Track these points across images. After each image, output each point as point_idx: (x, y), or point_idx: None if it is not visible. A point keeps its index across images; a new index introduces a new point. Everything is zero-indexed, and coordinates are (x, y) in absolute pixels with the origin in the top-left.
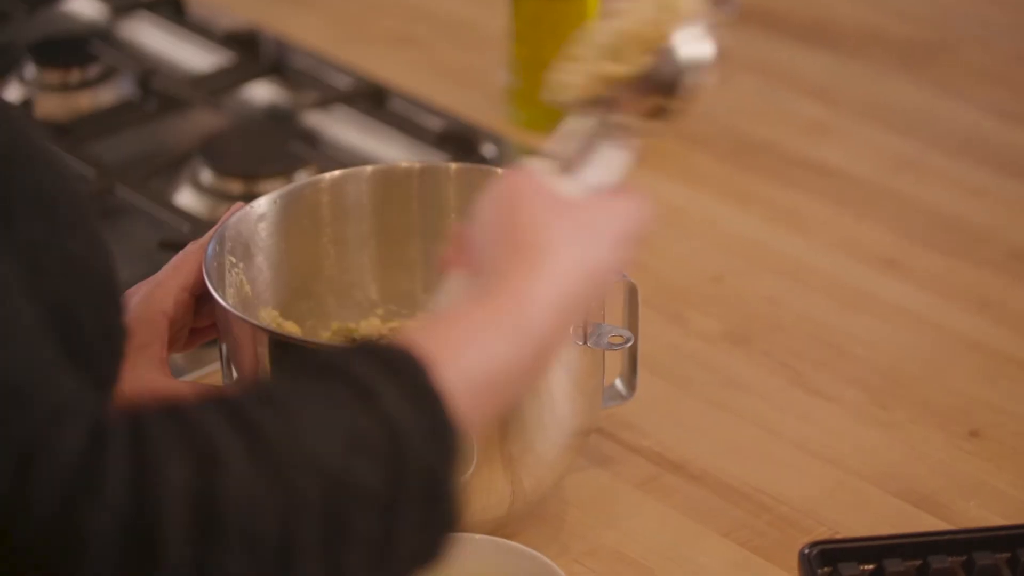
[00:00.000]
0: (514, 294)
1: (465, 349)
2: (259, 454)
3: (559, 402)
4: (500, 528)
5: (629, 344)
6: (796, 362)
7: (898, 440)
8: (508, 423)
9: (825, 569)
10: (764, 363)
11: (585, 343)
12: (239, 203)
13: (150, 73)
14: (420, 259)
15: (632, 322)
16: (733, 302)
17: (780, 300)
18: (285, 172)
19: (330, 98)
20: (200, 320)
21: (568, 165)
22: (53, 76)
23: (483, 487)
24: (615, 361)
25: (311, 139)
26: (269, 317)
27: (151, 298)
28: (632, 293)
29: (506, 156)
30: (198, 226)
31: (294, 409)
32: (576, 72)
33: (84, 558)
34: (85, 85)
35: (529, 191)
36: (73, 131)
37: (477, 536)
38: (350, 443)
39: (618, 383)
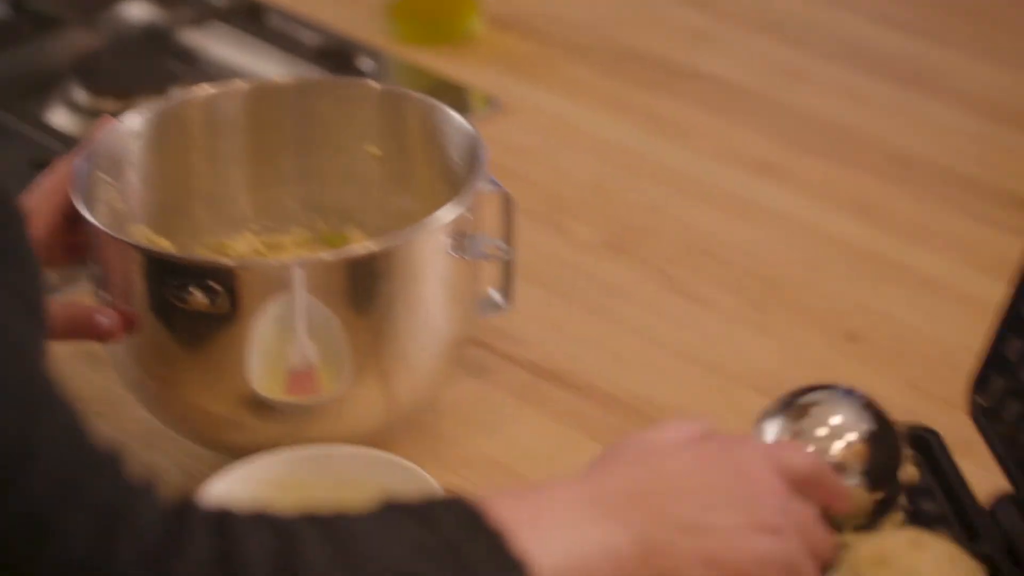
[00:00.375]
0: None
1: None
2: (335, 542)
3: (434, 312)
4: (375, 439)
5: (505, 254)
6: (675, 269)
7: (776, 345)
8: (382, 332)
9: None
10: (643, 271)
11: (460, 253)
12: (107, 117)
13: None
14: (294, 174)
15: (508, 232)
16: (612, 211)
17: (659, 208)
18: (161, 90)
19: (206, 15)
20: (75, 237)
21: None
22: None
23: (358, 398)
24: (493, 271)
25: (188, 57)
26: (141, 233)
27: None
28: (508, 203)
29: (384, 71)
30: (71, 146)
31: (359, 521)
32: None
33: None
34: None
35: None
36: None
37: (352, 447)
38: (415, 550)
39: (495, 293)
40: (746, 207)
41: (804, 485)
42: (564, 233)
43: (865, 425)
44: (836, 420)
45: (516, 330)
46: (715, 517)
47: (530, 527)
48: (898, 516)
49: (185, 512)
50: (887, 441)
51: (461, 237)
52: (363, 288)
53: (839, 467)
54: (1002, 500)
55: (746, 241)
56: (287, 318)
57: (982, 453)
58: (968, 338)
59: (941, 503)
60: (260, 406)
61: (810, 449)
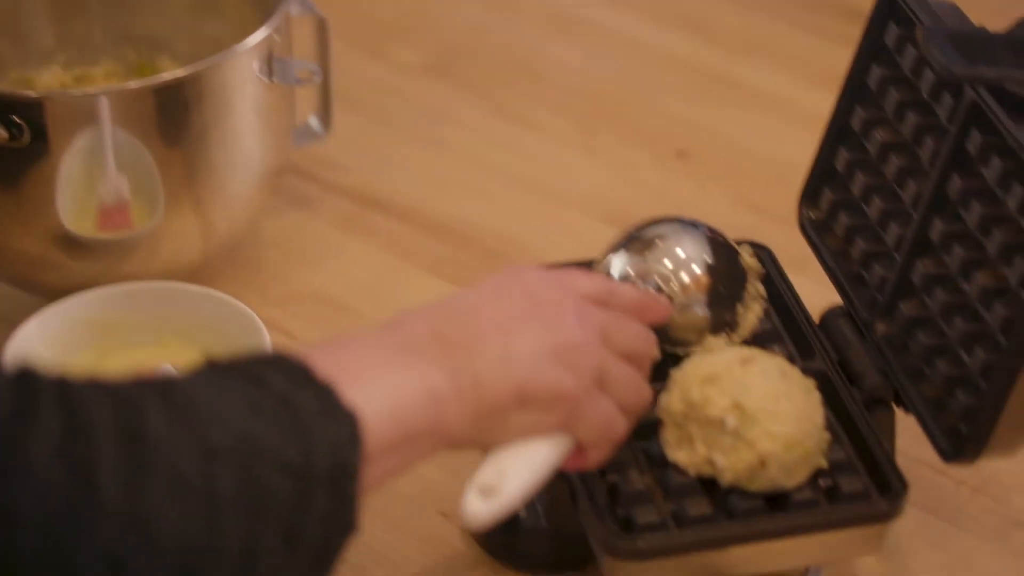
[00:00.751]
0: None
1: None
2: (172, 407)
3: (247, 140)
4: (194, 274)
5: (318, 79)
6: (500, 91)
7: (604, 165)
8: (194, 163)
9: None
10: (467, 94)
11: (271, 78)
12: None
13: None
14: (99, 3)
15: (323, 56)
16: (435, 33)
17: (483, 29)
18: None
19: None
20: None
21: None
22: None
23: (173, 231)
24: (311, 99)
25: None
26: None
27: None
28: (322, 26)
29: None
30: None
31: (192, 383)
32: None
33: (27, 482)
34: None
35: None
36: None
37: (170, 283)
38: (252, 410)
39: (312, 120)
40: (573, 25)
41: (599, 303)
42: (384, 57)
43: (707, 257)
44: (680, 252)
45: (338, 158)
46: (519, 344)
47: (351, 377)
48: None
49: (25, 384)
50: (730, 271)
51: (271, 61)
52: (172, 117)
53: (685, 297)
54: (833, 314)
55: (573, 61)
56: (95, 151)
57: (815, 269)
58: (801, 153)
59: (774, 320)
60: (72, 244)
61: (656, 280)
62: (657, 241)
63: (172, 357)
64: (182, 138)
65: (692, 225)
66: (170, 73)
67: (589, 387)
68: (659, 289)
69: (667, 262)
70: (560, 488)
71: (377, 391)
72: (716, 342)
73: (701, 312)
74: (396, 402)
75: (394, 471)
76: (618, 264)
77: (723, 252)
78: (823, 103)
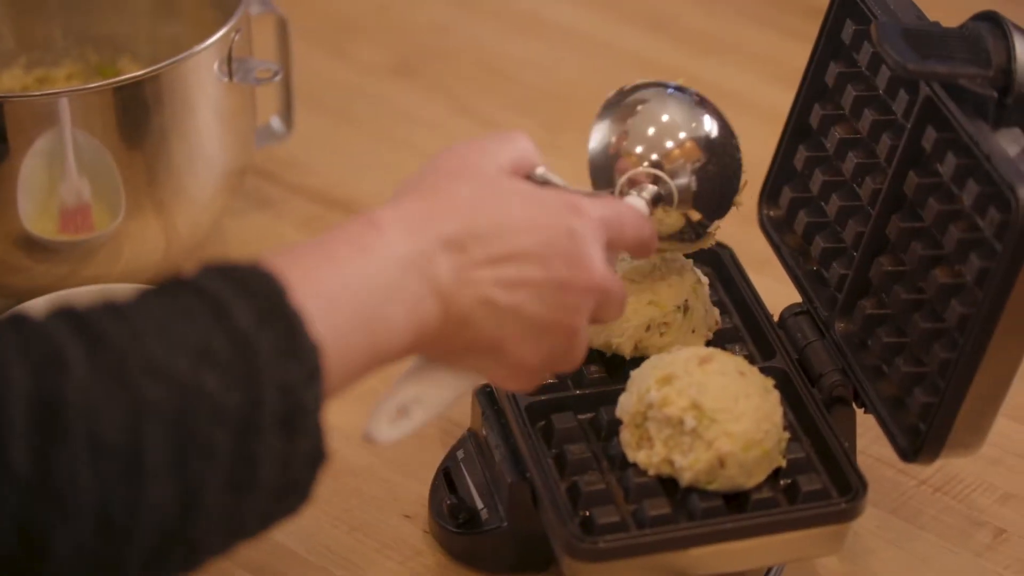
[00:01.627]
0: (369, 219)
1: (320, 272)
2: (102, 359)
3: (208, 141)
4: (158, 276)
5: (278, 78)
6: (464, 91)
7: (570, 164)
8: (156, 164)
9: None
10: (431, 94)
11: (231, 78)
12: None
13: None
14: (58, 4)
15: (283, 55)
16: (398, 32)
17: (447, 28)
18: None
19: None
20: None
21: None
22: None
23: (135, 234)
24: (273, 99)
25: None
26: None
27: None
28: (282, 26)
29: None
30: None
31: (141, 319)
32: None
33: None
34: None
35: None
36: None
37: (133, 286)
38: (199, 355)
39: (275, 121)
40: (538, 24)
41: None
42: (347, 57)
43: (696, 124)
44: (665, 118)
45: (301, 159)
46: (525, 311)
47: (328, 299)
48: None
49: None
50: (721, 145)
51: (231, 61)
52: (133, 118)
53: (671, 166)
54: (792, 312)
55: (538, 60)
56: (56, 153)
57: (776, 267)
58: (764, 152)
59: (734, 319)
60: (34, 246)
61: (639, 149)
62: (639, 108)
63: None
64: (143, 139)
65: (681, 90)
66: (130, 74)
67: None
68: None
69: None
70: (521, 489)
71: (351, 317)
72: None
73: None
74: (372, 331)
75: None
76: (599, 132)
77: (719, 126)
78: (787, 101)
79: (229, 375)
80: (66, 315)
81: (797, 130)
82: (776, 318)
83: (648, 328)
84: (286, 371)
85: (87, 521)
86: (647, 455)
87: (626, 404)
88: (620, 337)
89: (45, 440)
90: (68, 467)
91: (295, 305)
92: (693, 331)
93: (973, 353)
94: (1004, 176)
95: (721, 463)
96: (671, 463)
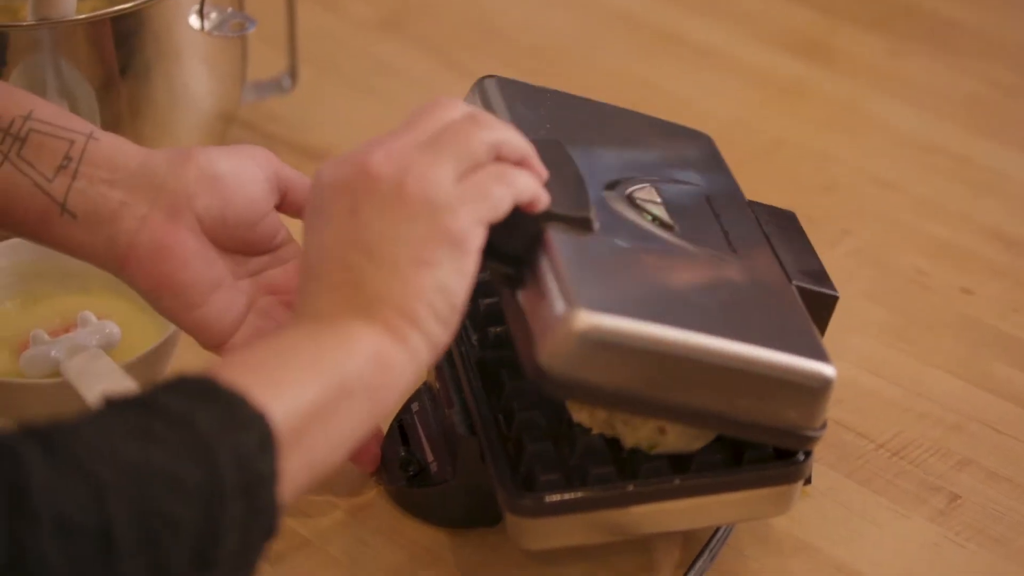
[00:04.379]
0: (339, 336)
1: (285, 388)
2: (58, 453)
3: (191, 82)
4: None
5: (249, 30)
6: (452, 47)
7: None
8: (137, 101)
9: None
10: (420, 49)
11: (202, 30)
12: None
13: None
14: None
15: (290, 10)
16: None
17: None
18: None
19: None
20: None
21: None
22: None
23: None
24: (279, 53)
25: None
26: None
27: None
28: None
29: None
30: None
31: (77, 423)
32: None
33: None
34: None
35: (375, 196)
36: None
37: None
38: (141, 438)
39: (285, 79)
40: None
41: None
42: (338, 11)
43: None
44: None
45: (287, 112)
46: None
47: (265, 378)
48: None
49: None
50: None
51: (203, 10)
52: (115, 52)
53: None
54: None
55: (525, 16)
56: (37, 83)
57: None
58: (744, 111)
59: None
60: None
61: None
62: None
63: (98, 306)
64: (124, 75)
65: None
66: (114, 8)
67: None
68: None
69: None
70: (470, 445)
71: (296, 380)
72: None
73: None
74: (322, 383)
75: (362, 423)
76: None
77: None
78: (769, 61)
79: (178, 449)
80: (22, 427)
81: None
82: None
83: None
84: (237, 439)
85: None
86: (590, 415)
87: None
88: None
89: (18, 523)
90: (41, 547)
91: (229, 388)
92: None
93: None
94: None
95: (662, 431)
96: (613, 426)
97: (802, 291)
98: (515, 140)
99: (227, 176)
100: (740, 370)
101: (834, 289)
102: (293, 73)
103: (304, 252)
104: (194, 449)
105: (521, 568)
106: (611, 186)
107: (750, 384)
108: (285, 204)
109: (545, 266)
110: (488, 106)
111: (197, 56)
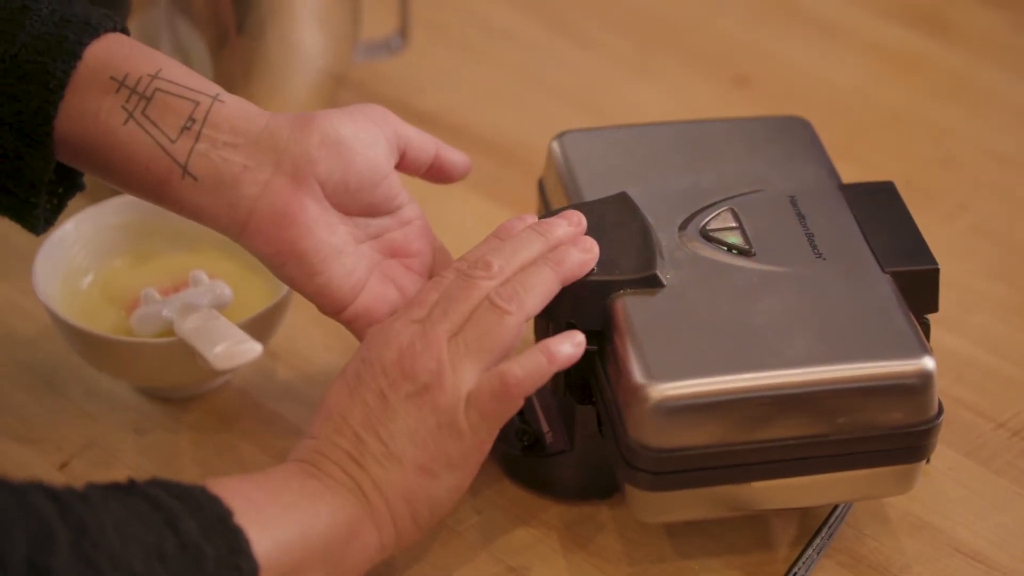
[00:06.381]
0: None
1: (275, 524)
2: (82, 547)
3: (307, 42)
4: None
5: None
6: (562, 10)
7: (660, 88)
8: (250, 59)
9: None
10: (530, 12)
11: None
12: None
13: None
14: None
15: None
16: None
17: None
18: None
19: None
20: None
21: None
22: None
23: None
24: (390, 14)
25: None
26: None
27: None
28: None
29: None
30: None
31: (105, 513)
32: None
33: None
34: None
35: (404, 388)
36: None
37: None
38: (152, 555)
39: (394, 40)
40: None
41: None
42: None
43: None
44: None
45: (390, 72)
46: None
47: (261, 522)
48: None
49: None
50: None
51: None
52: (231, 10)
53: None
54: None
55: None
56: (152, 38)
57: None
58: (861, 81)
59: None
60: None
61: None
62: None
63: (207, 265)
64: (241, 32)
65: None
66: None
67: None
68: None
69: None
70: (587, 415)
71: (288, 532)
72: None
73: None
74: (306, 544)
75: None
76: None
77: None
78: (885, 32)
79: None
80: (53, 497)
81: None
82: None
83: None
84: (223, 559)
85: None
86: None
87: None
88: None
89: None
90: None
91: (237, 523)
92: None
93: None
94: None
95: None
96: None
97: (898, 275)
98: (561, 231)
99: (349, 140)
100: (831, 391)
101: (933, 261)
102: (404, 33)
103: (331, 394)
104: (191, 561)
105: (630, 543)
106: (684, 224)
107: (846, 401)
108: (404, 163)
109: (619, 338)
110: (567, 163)
111: (311, 14)
